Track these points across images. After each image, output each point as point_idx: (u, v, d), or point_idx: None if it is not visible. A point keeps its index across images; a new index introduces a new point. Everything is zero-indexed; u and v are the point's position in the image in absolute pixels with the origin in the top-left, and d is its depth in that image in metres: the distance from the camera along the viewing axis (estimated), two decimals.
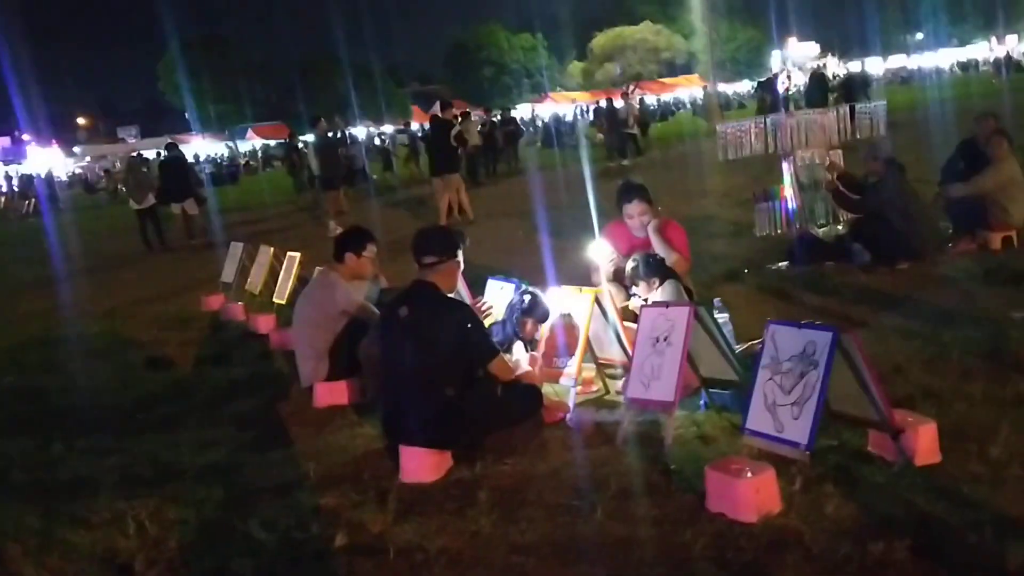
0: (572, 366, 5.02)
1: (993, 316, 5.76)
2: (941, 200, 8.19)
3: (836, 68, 52.88)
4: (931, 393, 4.46)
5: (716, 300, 5.46)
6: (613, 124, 24.07)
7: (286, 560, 3.65)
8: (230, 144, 61.68)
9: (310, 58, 72.45)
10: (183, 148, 21.80)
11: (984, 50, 67.73)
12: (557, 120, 41.62)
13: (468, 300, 5.67)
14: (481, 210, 15.22)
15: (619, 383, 5.07)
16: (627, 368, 4.72)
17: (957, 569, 2.97)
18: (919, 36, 75.79)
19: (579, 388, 5.05)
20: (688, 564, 3.21)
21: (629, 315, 5.49)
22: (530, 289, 5.30)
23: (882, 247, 7.45)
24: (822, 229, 8.59)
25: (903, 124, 19.07)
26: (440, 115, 16.10)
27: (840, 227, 8.54)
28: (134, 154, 20.98)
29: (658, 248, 5.87)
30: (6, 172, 53.47)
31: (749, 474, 3.41)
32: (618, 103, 24.81)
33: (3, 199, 42.49)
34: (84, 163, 62.97)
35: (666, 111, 55.86)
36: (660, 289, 5.62)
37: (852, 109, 9.01)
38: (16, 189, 44.43)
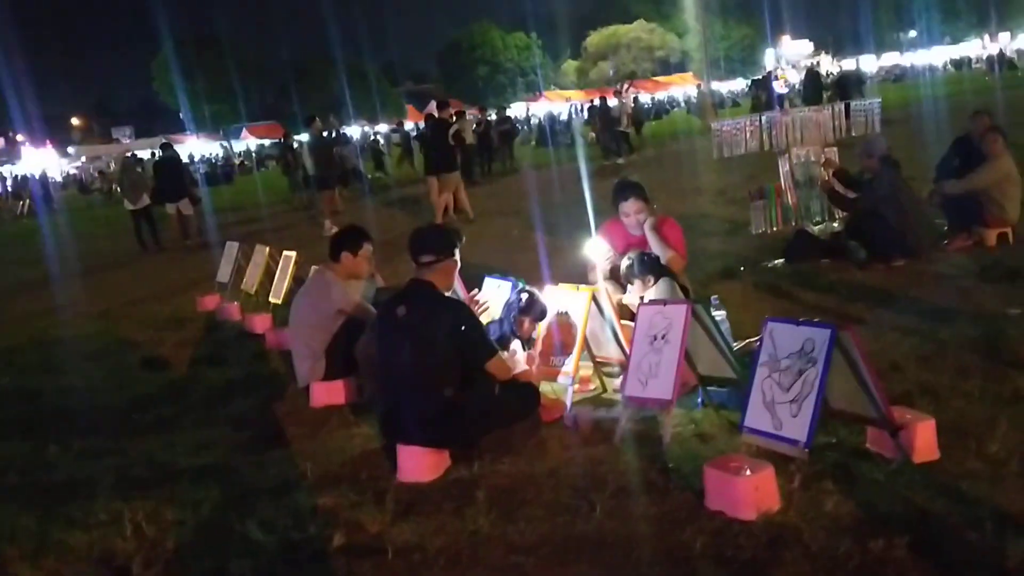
0: (569, 364, 5.02)
1: (989, 313, 5.77)
2: (936, 197, 8.20)
3: (830, 66, 53.01)
4: (928, 390, 4.46)
5: (713, 297, 5.45)
6: (606, 123, 24.06)
7: (284, 561, 3.64)
8: (225, 144, 61.54)
9: (304, 57, 72.46)
10: (178, 148, 21.71)
11: (977, 48, 67.87)
12: (552, 119, 41.59)
13: (463, 295, 5.67)
14: (477, 209, 15.20)
15: (616, 381, 5.07)
16: (624, 366, 4.71)
17: (957, 566, 2.97)
18: (912, 34, 75.93)
19: (576, 387, 5.04)
20: (687, 562, 3.21)
21: (624, 312, 5.48)
22: (527, 288, 5.29)
23: (878, 244, 7.46)
24: (818, 226, 8.59)
25: (897, 121, 19.09)
26: (438, 114, 16.08)
27: (836, 224, 8.54)
28: (128, 154, 20.91)
29: (654, 246, 5.86)
30: (0, 173, 53.34)
31: (748, 472, 3.41)
32: (612, 102, 24.81)
33: None
34: (79, 163, 62.79)
35: (660, 109, 55.86)
36: (655, 287, 5.62)
37: (847, 106, 9.02)
38: (10, 189, 44.30)
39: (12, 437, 5.84)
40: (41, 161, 58.65)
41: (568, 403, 4.87)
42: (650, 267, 5.70)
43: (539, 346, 5.20)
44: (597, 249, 5.96)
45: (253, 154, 55.84)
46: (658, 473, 3.96)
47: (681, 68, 74.08)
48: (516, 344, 5.16)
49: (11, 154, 65.36)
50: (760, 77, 32.71)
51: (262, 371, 6.81)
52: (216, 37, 70.17)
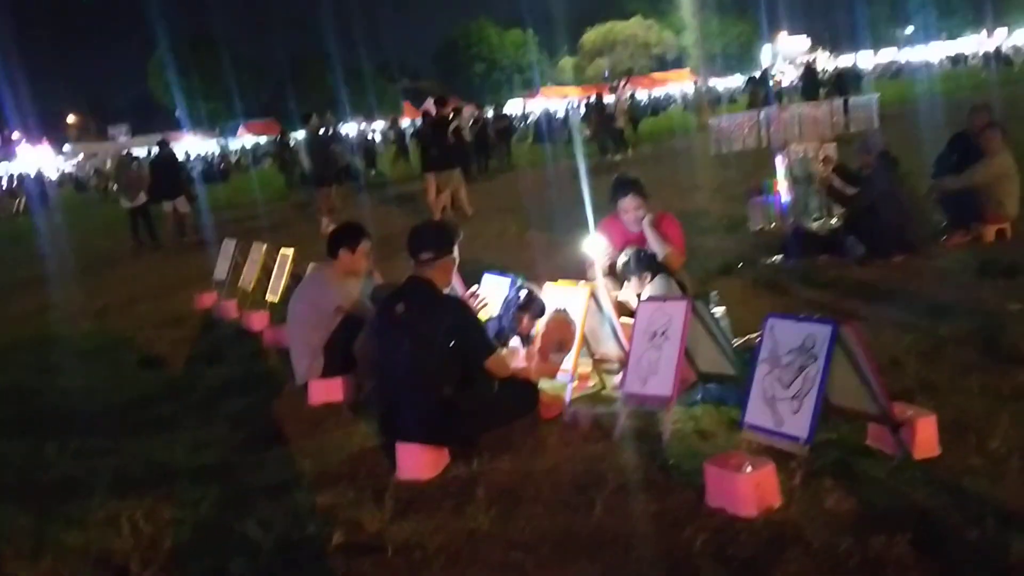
0: (568, 362, 5.00)
1: (989, 309, 5.76)
2: (935, 193, 8.19)
3: (826, 63, 52.97)
4: (928, 386, 4.45)
5: (712, 294, 5.44)
6: (602, 120, 24.04)
7: (283, 560, 3.62)
8: (222, 142, 61.48)
9: (301, 55, 72.32)
10: (174, 146, 21.69)
11: (974, 44, 67.88)
12: (548, 116, 41.54)
13: (461, 292, 5.66)
14: (474, 206, 15.19)
15: (616, 378, 5.06)
16: (624, 363, 4.70)
17: (958, 563, 2.96)
18: (909, 30, 75.97)
19: (575, 384, 5.03)
20: (688, 560, 3.19)
21: (621, 309, 5.46)
22: (526, 284, 5.27)
23: (876, 240, 7.45)
24: (816, 223, 8.58)
25: (894, 117, 19.05)
26: (438, 110, 16.04)
27: (834, 220, 8.53)
28: (124, 152, 20.88)
29: (653, 242, 5.84)
30: None
31: (749, 469, 3.40)
32: (609, 98, 24.80)
33: None
34: (75, 162, 62.70)
35: (657, 106, 55.85)
36: (651, 284, 5.60)
37: (846, 102, 9.02)
38: (3, 187, 44.22)
39: (9, 436, 5.81)
40: (36, 159, 58.57)
41: (567, 400, 4.86)
42: (646, 264, 5.68)
43: (538, 343, 5.18)
44: (596, 246, 5.95)
45: (250, 152, 55.73)
46: (658, 470, 3.95)
47: (678, 64, 74.14)
48: (515, 341, 5.15)
49: (7, 152, 65.22)
50: (760, 74, 32.67)
51: (260, 369, 6.80)
52: (212, 35, 70.13)
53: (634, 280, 5.68)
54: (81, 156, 63.73)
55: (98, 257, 16.73)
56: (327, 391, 5.65)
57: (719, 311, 5.19)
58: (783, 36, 64.10)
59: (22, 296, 12.82)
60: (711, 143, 8.98)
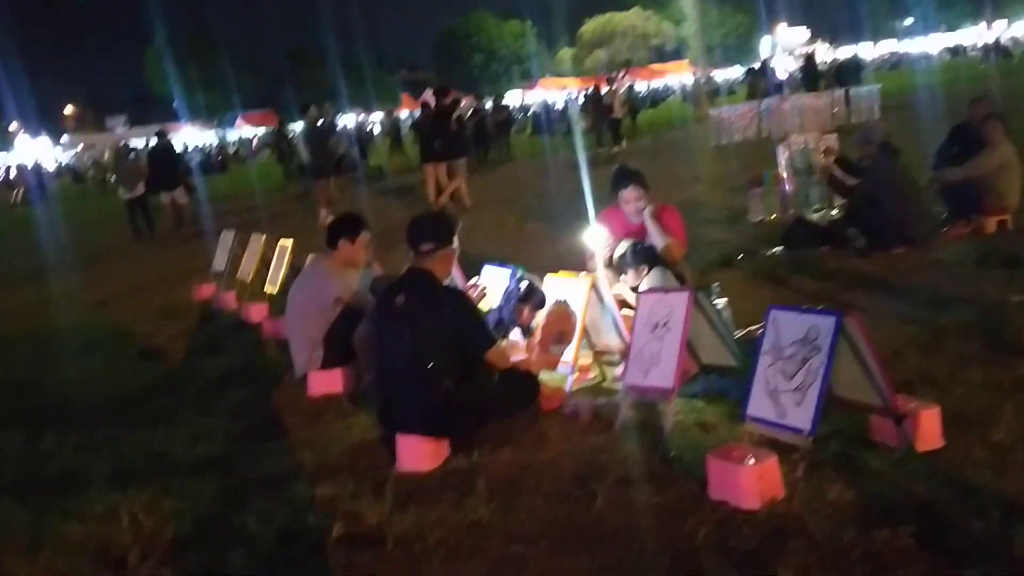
0: (569, 353, 4.98)
1: (990, 300, 5.73)
2: (935, 184, 8.17)
3: (825, 54, 52.85)
4: (930, 378, 4.43)
5: (714, 285, 5.42)
6: (599, 111, 23.99)
7: (282, 553, 3.61)
8: (220, 133, 61.33)
9: (299, 45, 72.10)
10: (172, 137, 21.63)
11: (973, 35, 67.75)
12: (547, 107, 41.46)
13: (461, 284, 5.63)
14: (473, 198, 15.15)
15: (616, 370, 5.04)
16: (625, 355, 4.68)
17: (962, 556, 2.94)
18: (908, 22, 75.83)
19: (576, 375, 5.01)
20: (691, 552, 3.18)
21: (616, 301, 5.44)
22: (526, 276, 5.25)
23: (877, 232, 7.42)
24: (817, 214, 8.56)
25: (894, 108, 19.02)
26: (439, 101, 15.98)
27: (835, 212, 8.51)
28: (121, 144, 20.84)
29: (654, 233, 5.81)
30: None
31: (752, 461, 3.38)
32: (605, 90, 24.73)
33: None
34: (73, 153, 62.52)
35: (656, 98, 55.74)
36: (648, 277, 5.57)
37: (847, 93, 8.99)
38: (0, 179, 44.13)
39: (7, 428, 5.79)
40: (34, 150, 58.44)
41: (568, 392, 4.84)
42: (643, 257, 5.66)
43: (538, 335, 5.16)
44: (597, 237, 5.92)
45: (248, 143, 55.55)
46: (659, 462, 3.93)
47: (677, 56, 73.91)
48: (515, 333, 5.12)
49: (4, 143, 65.07)
50: (759, 65, 32.56)
51: (259, 361, 6.78)
52: (210, 26, 69.96)
53: (630, 273, 5.66)
54: (80, 147, 63.47)
55: (96, 248, 16.70)
56: (326, 383, 5.63)
57: (721, 303, 5.17)
58: (782, 27, 63.88)
59: (20, 288, 12.79)
60: (711, 134, 8.94)
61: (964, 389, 4.25)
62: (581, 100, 31.25)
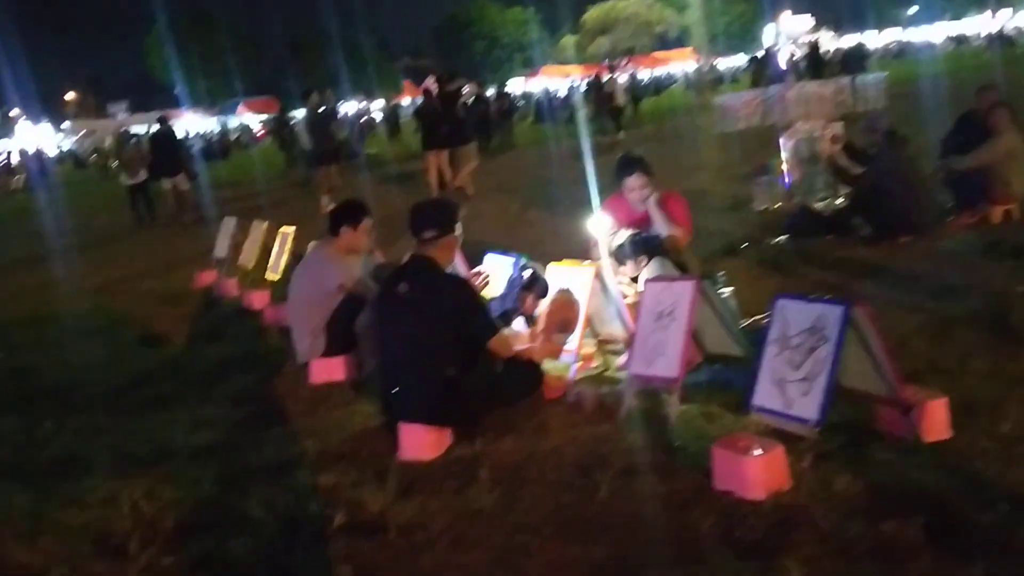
0: (573, 342, 4.94)
1: (996, 289, 5.69)
2: (941, 173, 8.12)
3: (829, 42, 52.63)
4: (937, 368, 4.40)
5: (719, 274, 5.38)
6: (600, 99, 23.93)
7: (284, 540, 3.58)
8: (221, 119, 61.23)
9: (300, 32, 71.92)
10: (173, 124, 21.57)
11: (977, 24, 67.43)
12: (549, 95, 41.31)
13: (464, 271, 5.60)
14: (475, 186, 15.09)
15: (620, 359, 5.00)
16: (629, 343, 4.65)
17: (970, 548, 2.91)
18: (913, 10, 75.53)
19: (579, 364, 4.97)
20: (695, 543, 3.15)
21: None
22: (530, 264, 5.21)
23: (882, 220, 7.38)
24: (821, 203, 8.51)
25: (899, 97, 18.93)
26: (441, 86, 15.91)
27: (839, 200, 8.46)
28: (122, 130, 20.80)
29: (658, 222, 5.77)
30: None
31: (758, 451, 3.34)
32: (607, 77, 24.68)
33: None
34: (75, 139, 62.45)
35: (659, 85, 55.56)
36: (648, 267, 5.53)
37: (853, 80, 8.93)
38: (1, 164, 44.09)
39: (6, 414, 5.77)
40: (36, 136, 58.37)
41: (571, 381, 4.81)
42: (641, 248, 5.62)
43: (542, 323, 5.13)
44: (601, 225, 5.88)
45: (249, 130, 55.38)
46: (664, 452, 3.89)
47: (680, 44, 73.64)
48: (519, 321, 5.09)
49: (5, 129, 64.98)
50: (763, 53, 32.45)
51: (261, 348, 6.75)
52: (211, 12, 69.68)
53: (629, 264, 5.62)
54: (83, 132, 63.35)
55: (97, 234, 16.69)
56: (328, 370, 5.60)
57: (726, 292, 5.13)
58: (786, 15, 63.60)
59: (21, 273, 12.77)
60: (716, 121, 8.91)
61: (971, 379, 4.22)
62: (583, 88, 31.17)
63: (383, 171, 22.20)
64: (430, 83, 17.36)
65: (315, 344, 5.71)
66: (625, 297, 5.28)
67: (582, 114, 26.77)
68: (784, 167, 8.53)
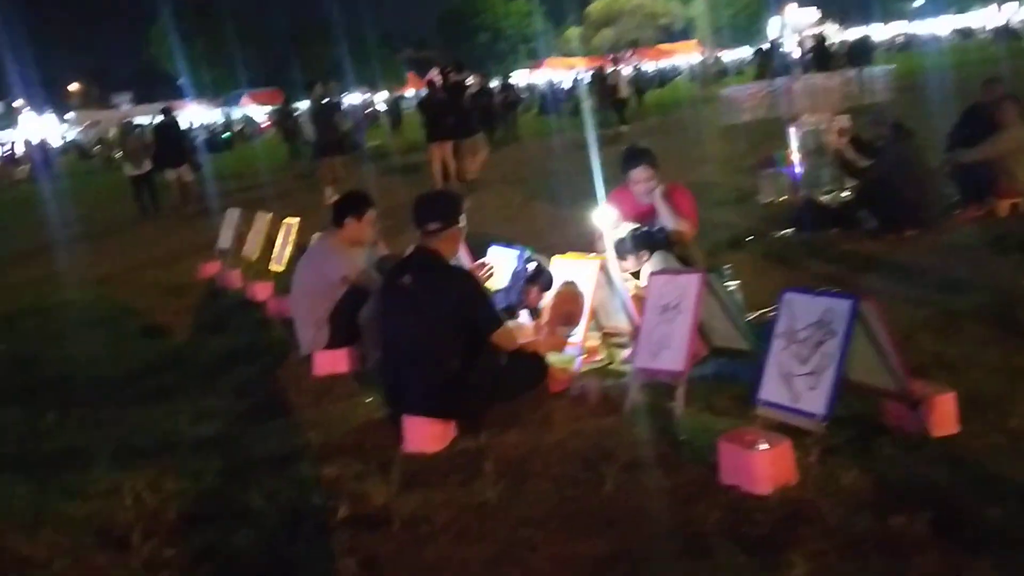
0: (577, 335, 4.92)
1: (1003, 283, 5.66)
2: (948, 166, 8.08)
3: (835, 35, 52.40)
4: (945, 362, 4.37)
5: (726, 267, 5.35)
6: (603, 91, 23.88)
7: (287, 532, 3.57)
8: (226, 110, 61.19)
9: (304, 24, 71.78)
10: (177, 115, 21.56)
11: (983, 17, 67.15)
12: (553, 87, 41.20)
13: (468, 263, 5.57)
14: (479, 177, 15.06)
15: (625, 352, 4.98)
16: (634, 336, 4.62)
17: (979, 543, 2.88)
18: (919, 2, 75.21)
19: (583, 357, 4.95)
20: (701, 538, 3.12)
21: None
22: (534, 256, 5.18)
23: (889, 213, 7.33)
24: (828, 195, 8.47)
25: (904, 90, 18.85)
26: (445, 76, 15.86)
27: (846, 193, 8.42)
28: (126, 120, 20.80)
29: (664, 214, 5.73)
30: None
31: (765, 445, 3.32)
32: (610, 70, 24.65)
33: None
34: (79, 129, 62.42)
35: (664, 78, 55.39)
36: (649, 262, 5.50)
37: (860, 73, 8.87)
38: (4, 155, 44.10)
39: (9, 405, 5.77)
40: (40, 127, 58.36)
41: (576, 374, 4.78)
42: (643, 242, 5.58)
43: (546, 316, 5.10)
44: (606, 217, 5.84)
45: (254, 122, 55.27)
46: (669, 446, 3.87)
47: (685, 36, 73.42)
48: (523, 314, 5.07)
49: (9, 119, 64.96)
50: (769, 46, 32.32)
51: (264, 339, 6.73)
52: (214, 3, 69.47)
53: (630, 259, 5.58)
54: (88, 123, 63.29)
55: (101, 225, 16.69)
56: (332, 362, 5.59)
57: (733, 285, 5.10)
58: (791, 7, 63.37)
59: (24, 264, 12.78)
60: (721, 113, 8.87)
61: (979, 373, 4.18)
62: (588, 80, 31.08)
63: (387, 163, 22.18)
64: (434, 74, 17.31)
65: (318, 336, 5.69)
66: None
67: (586, 106, 26.71)
68: (795, 158, 8.46)
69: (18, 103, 66.98)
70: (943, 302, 5.39)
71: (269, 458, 4.32)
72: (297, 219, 8.09)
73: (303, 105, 20.65)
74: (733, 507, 3.26)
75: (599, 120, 23.68)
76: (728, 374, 4.47)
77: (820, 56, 22.39)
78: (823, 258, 6.92)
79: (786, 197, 8.55)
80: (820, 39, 26.04)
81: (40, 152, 40.37)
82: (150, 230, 15.19)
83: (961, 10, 72.58)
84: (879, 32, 63.57)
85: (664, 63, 65.18)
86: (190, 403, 5.35)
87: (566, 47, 74.78)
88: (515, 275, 5.14)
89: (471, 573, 3.13)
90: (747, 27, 71.74)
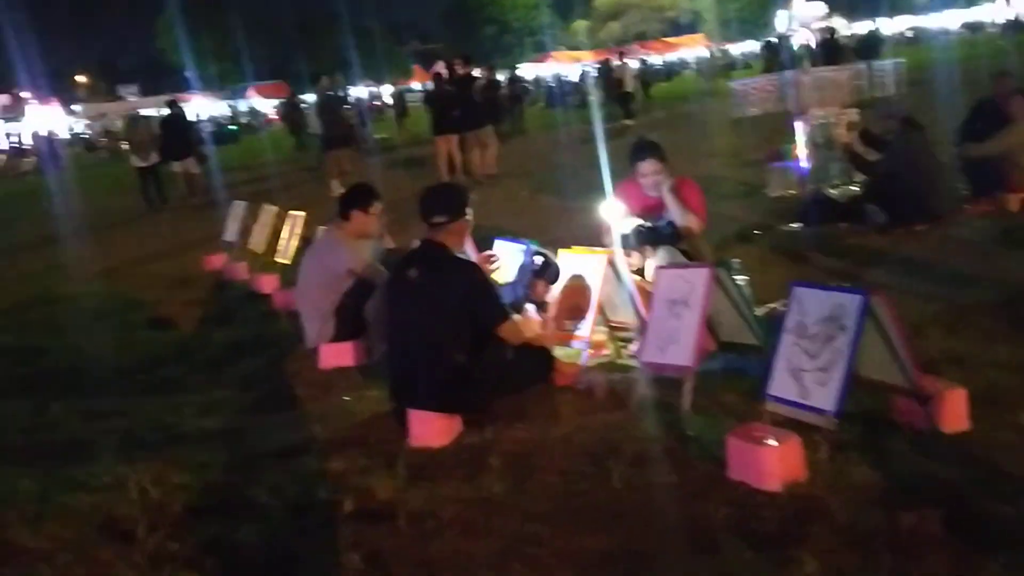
0: (584, 329, 4.89)
1: (1013, 279, 5.63)
2: (957, 161, 8.03)
3: (843, 29, 52.21)
4: (955, 358, 4.33)
5: (734, 261, 5.31)
6: (609, 84, 23.82)
7: (292, 526, 3.55)
8: (232, 103, 61.20)
9: (311, 16, 71.69)
10: (184, 107, 21.54)
11: (991, 11, 66.81)
12: (559, 80, 41.13)
13: (474, 256, 5.54)
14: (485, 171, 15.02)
15: (631, 346, 4.95)
16: (641, 331, 4.59)
17: (990, 541, 2.85)
18: None
19: (590, 351, 4.92)
20: (709, 534, 3.09)
21: None
22: (541, 250, 5.15)
23: (898, 208, 7.29)
24: (836, 189, 8.42)
25: (914, 83, 18.77)
26: (451, 70, 15.83)
27: (854, 187, 8.37)
28: (133, 112, 20.80)
29: (672, 208, 5.69)
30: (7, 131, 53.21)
31: (774, 441, 3.29)
32: (616, 63, 24.58)
33: (3, 157, 42.22)
34: (86, 121, 62.49)
35: (671, 71, 55.27)
36: (655, 257, 5.47)
37: (870, 67, 8.82)
38: (11, 147, 44.16)
39: (14, 396, 5.76)
40: (46, 119, 58.39)
41: (582, 368, 4.76)
42: (647, 238, 5.55)
43: (553, 309, 5.08)
44: (613, 211, 5.80)
45: (270, 113, 55.08)
46: (677, 441, 3.84)
47: (692, 29, 73.20)
48: (530, 307, 5.04)
49: (16, 111, 65.01)
50: (776, 39, 32.21)
51: (270, 332, 6.71)
52: None
53: (635, 255, 5.55)
54: (94, 114, 63.34)
55: (108, 217, 16.69)
56: (338, 355, 5.57)
57: (741, 279, 5.07)
58: (799, 1, 63.11)
59: (31, 255, 12.78)
60: (730, 106, 8.86)
61: (989, 369, 4.15)
62: (595, 73, 31.02)
63: (393, 156, 22.14)
64: (440, 67, 17.28)
65: (324, 329, 5.67)
66: None
67: (593, 99, 26.64)
68: (803, 152, 8.41)
69: (25, 94, 67.03)
70: (952, 297, 5.36)
71: (275, 451, 4.30)
72: (303, 212, 8.06)
73: (309, 98, 20.60)
74: (741, 503, 3.23)
75: (606, 113, 23.60)
76: (736, 369, 4.44)
77: (830, 50, 22.28)
78: (831, 252, 6.88)
79: (794, 191, 8.50)
80: (831, 32, 25.93)
81: (47, 144, 40.41)
82: (156, 222, 15.18)
83: (969, 3, 72.20)
84: (886, 26, 63.28)
85: (671, 56, 65.06)
86: (195, 396, 5.34)
87: (573, 40, 74.64)
88: (522, 269, 5.11)
89: (477, 568, 3.11)
90: (754, 20, 71.46)
